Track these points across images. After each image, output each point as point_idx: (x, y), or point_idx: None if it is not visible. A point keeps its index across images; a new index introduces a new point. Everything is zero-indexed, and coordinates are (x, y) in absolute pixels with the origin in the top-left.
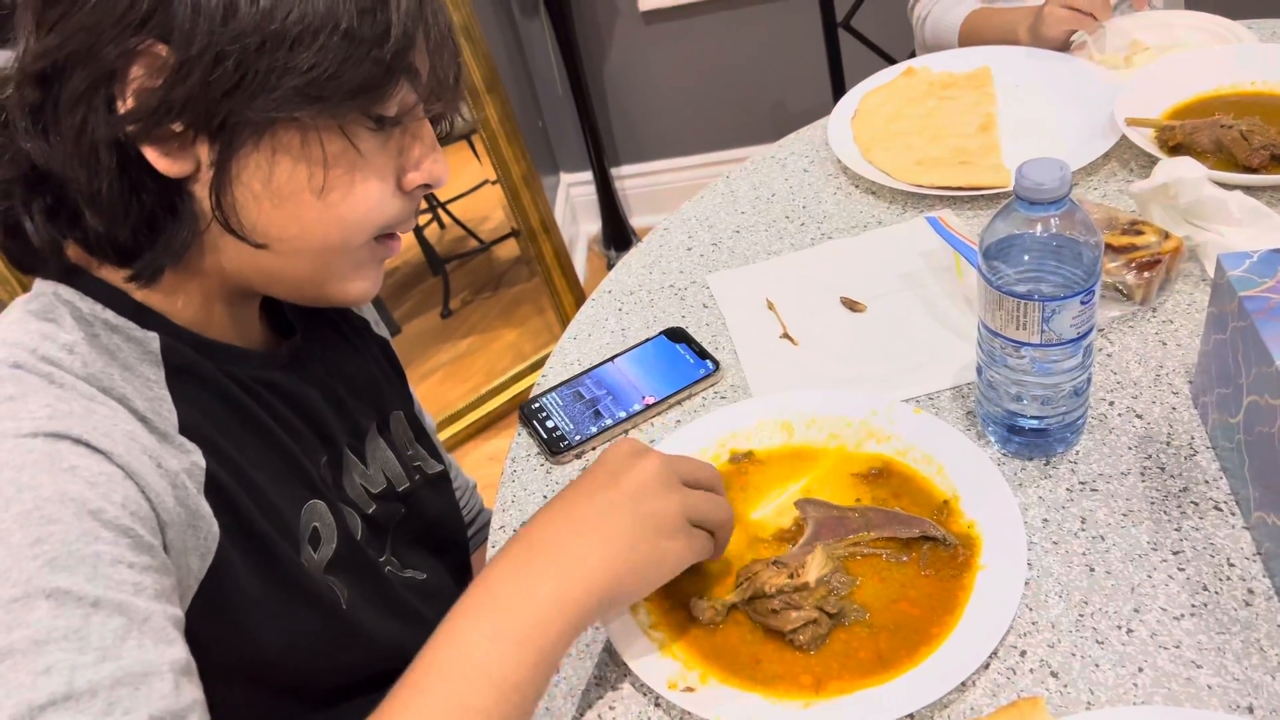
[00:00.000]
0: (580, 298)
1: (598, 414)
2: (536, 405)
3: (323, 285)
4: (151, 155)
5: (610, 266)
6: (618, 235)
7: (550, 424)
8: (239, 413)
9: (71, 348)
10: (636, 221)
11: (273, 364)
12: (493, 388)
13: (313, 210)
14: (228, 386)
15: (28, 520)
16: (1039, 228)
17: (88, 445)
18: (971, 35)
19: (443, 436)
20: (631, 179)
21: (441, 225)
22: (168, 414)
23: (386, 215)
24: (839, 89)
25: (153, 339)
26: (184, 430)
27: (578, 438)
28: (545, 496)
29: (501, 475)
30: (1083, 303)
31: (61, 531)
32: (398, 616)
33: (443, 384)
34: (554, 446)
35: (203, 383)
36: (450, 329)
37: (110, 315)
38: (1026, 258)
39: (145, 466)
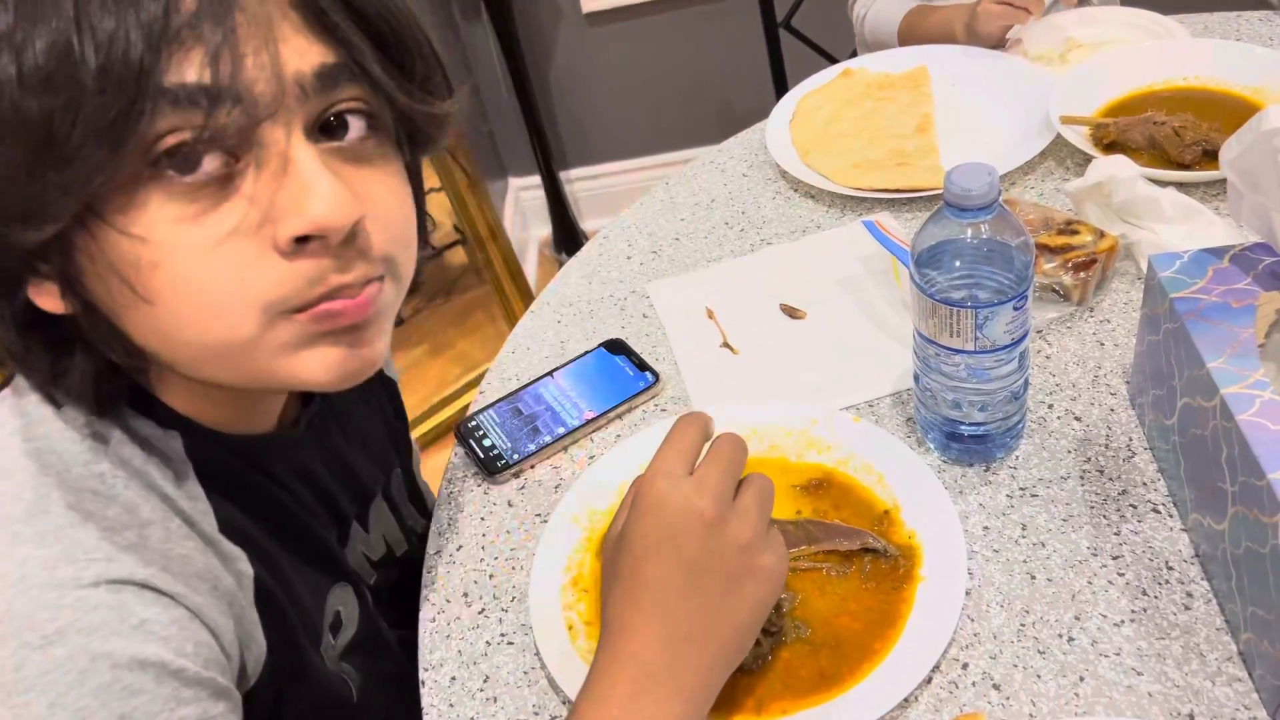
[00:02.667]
0: (531, 304)
1: (536, 430)
2: (473, 423)
3: (271, 377)
4: (35, 297)
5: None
6: (568, 238)
7: (487, 442)
8: (266, 503)
9: (103, 453)
10: (587, 224)
11: (291, 442)
12: (443, 398)
13: (157, 318)
14: (253, 476)
15: (108, 695)
16: (969, 234)
17: (154, 590)
18: (909, 33)
19: None
20: (581, 181)
21: None
22: (206, 513)
23: (264, 289)
24: (781, 89)
25: (174, 437)
26: (224, 530)
27: (515, 456)
28: (483, 519)
29: (438, 497)
30: (1015, 308)
31: (146, 704)
32: (406, 691)
33: None
34: (491, 466)
35: (230, 477)
36: (402, 338)
37: (129, 417)
38: (958, 264)
39: (208, 600)
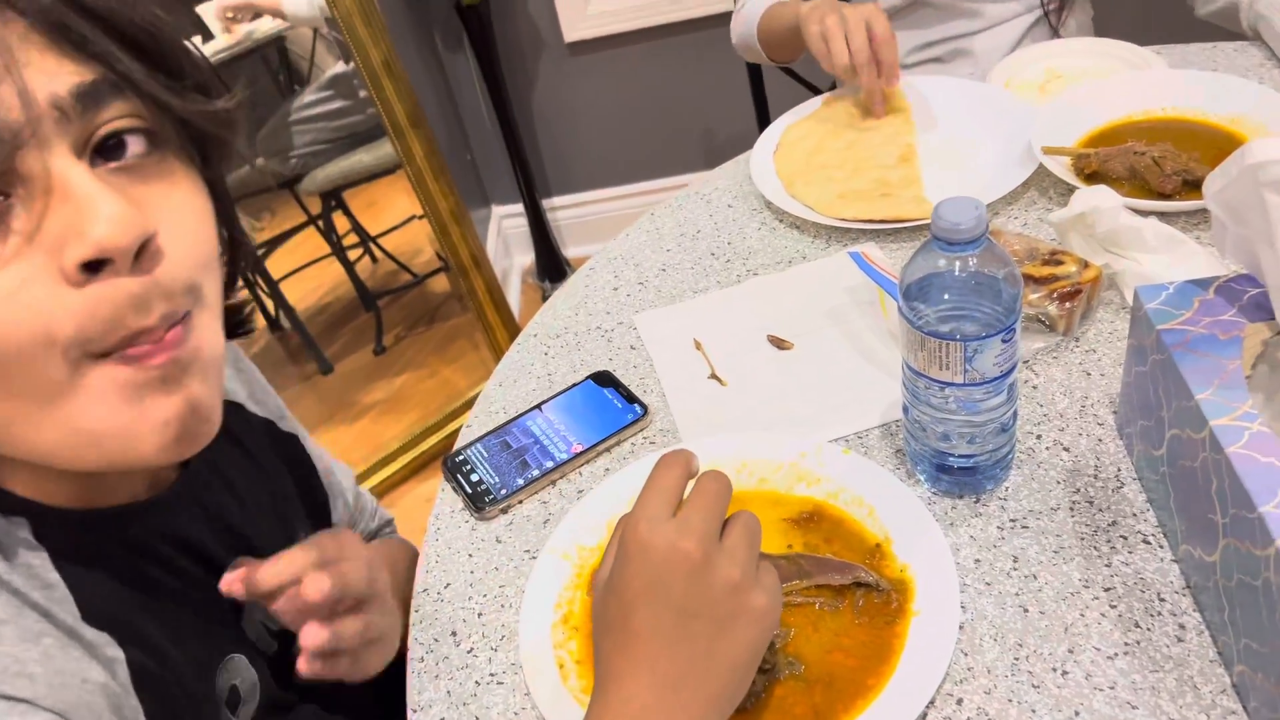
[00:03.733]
0: (514, 332)
1: (525, 464)
2: (460, 458)
3: (100, 448)
4: None
5: (545, 298)
6: (552, 266)
7: (475, 477)
8: (136, 579)
9: None
10: (571, 252)
11: (161, 510)
12: (427, 427)
13: None
14: (117, 552)
15: None
16: (957, 267)
17: (7, 698)
18: (767, 32)
19: (377, 480)
20: (564, 209)
21: (374, 259)
22: (65, 601)
23: (61, 325)
24: (763, 118)
25: (21, 524)
26: (88, 618)
27: (504, 491)
28: (471, 556)
29: (425, 534)
30: (1004, 341)
31: None
32: None
33: (376, 424)
34: (479, 502)
35: (91, 557)
36: (384, 366)
37: None
38: (946, 296)
39: (76, 697)
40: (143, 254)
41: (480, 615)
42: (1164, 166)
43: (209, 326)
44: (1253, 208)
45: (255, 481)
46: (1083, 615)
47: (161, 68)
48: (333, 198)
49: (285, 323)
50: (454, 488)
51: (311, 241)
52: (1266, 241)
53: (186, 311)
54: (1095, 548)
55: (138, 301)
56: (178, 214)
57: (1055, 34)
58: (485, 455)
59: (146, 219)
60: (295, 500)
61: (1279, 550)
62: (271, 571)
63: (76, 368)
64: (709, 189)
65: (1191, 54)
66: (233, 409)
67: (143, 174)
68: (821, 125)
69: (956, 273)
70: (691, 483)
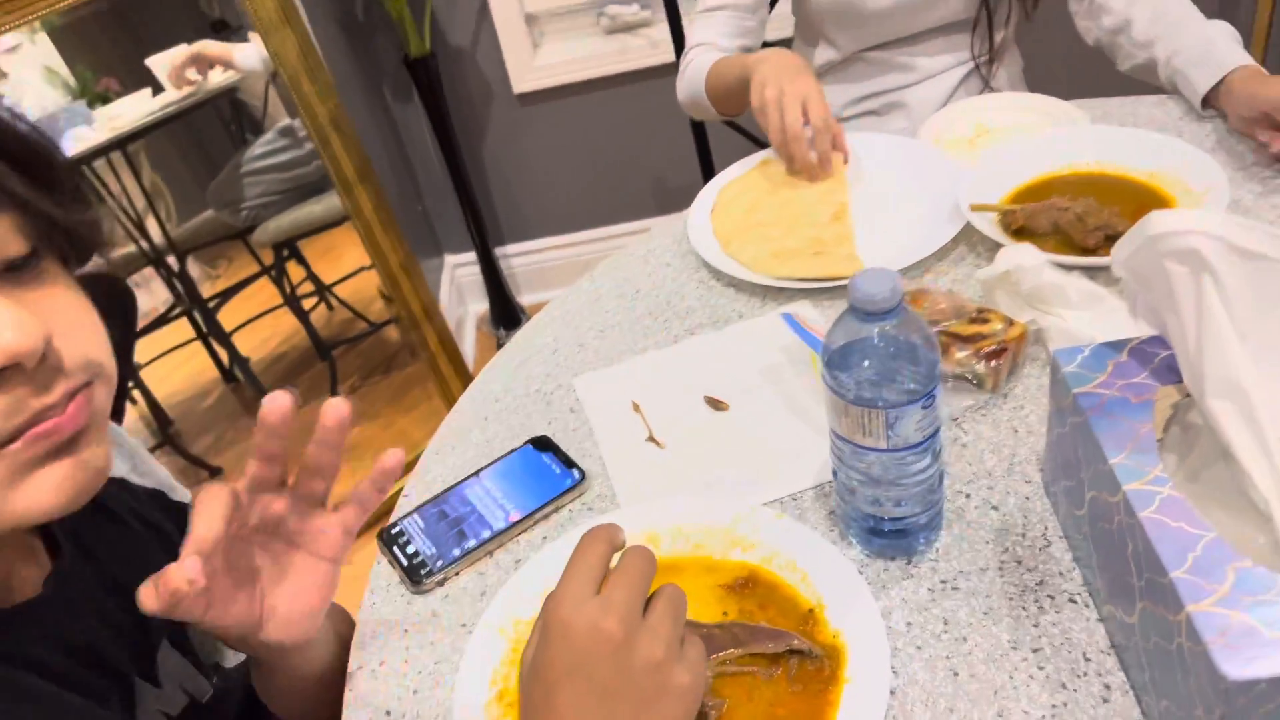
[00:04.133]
0: (468, 381)
1: (462, 535)
2: (396, 529)
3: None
4: None
5: (500, 345)
6: (506, 314)
7: (411, 549)
8: (10, 690)
9: None
10: (525, 299)
11: (32, 612)
12: None
13: None
14: None
15: None
16: (876, 336)
17: None
18: (715, 88)
19: None
20: (518, 257)
21: (330, 307)
22: None
23: None
24: (707, 167)
25: None
26: None
27: (440, 563)
28: (406, 631)
29: (360, 609)
30: (924, 407)
31: None
32: None
33: None
34: (414, 575)
35: None
36: None
37: None
38: (867, 364)
39: None
40: (44, 355)
41: (416, 692)
42: (1087, 222)
43: (106, 395)
44: (1156, 276)
45: (135, 560)
46: (1011, 678)
47: (41, 181)
48: (285, 248)
49: (239, 374)
50: (390, 560)
51: (266, 292)
52: (1170, 308)
53: (88, 382)
54: (1024, 608)
55: (38, 385)
56: (68, 312)
57: (987, 85)
58: (422, 526)
59: (44, 321)
60: (164, 555)
61: (1189, 617)
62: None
63: None
64: (648, 248)
65: (1113, 108)
66: (116, 485)
67: (27, 279)
68: (757, 184)
69: (875, 341)
70: (617, 557)
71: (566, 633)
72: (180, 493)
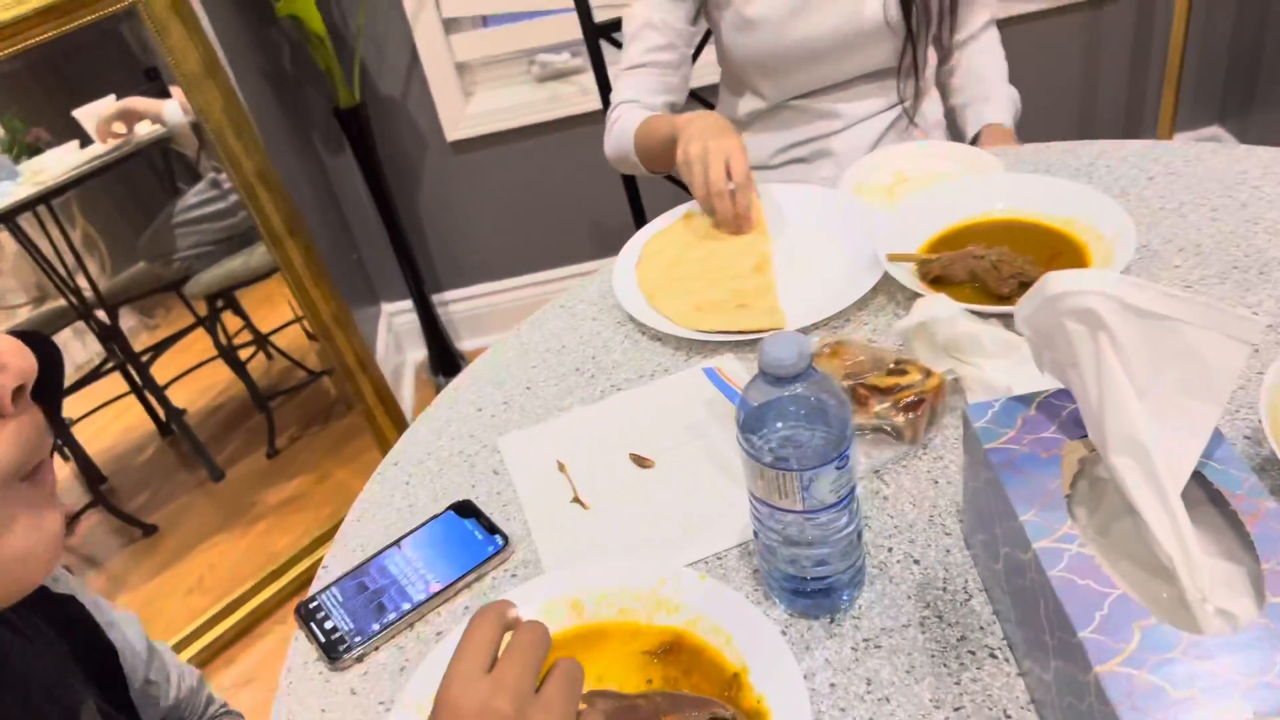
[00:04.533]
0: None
1: (381, 608)
2: (314, 604)
3: None
4: None
5: (439, 390)
6: (445, 361)
7: (329, 624)
8: None
9: None
10: (465, 344)
11: None
12: (315, 538)
13: None
14: None
15: None
16: (786, 399)
17: None
18: (643, 147)
19: (267, 594)
20: (456, 303)
21: (269, 357)
22: None
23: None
24: (638, 214)
25: None
26: None
27: (358, 639)
28: (324, 710)
29: (277, 689)
30: (838, 467)
31: None
32: None
33: (268, 534)
34: (332, 651)
35: None
36: (277, 470)
37: None
38: (780, 425)
39: None
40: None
41: None
42: (1001, 270)
43: None
44: (1057, 333)
45: (35, 666)
46: None
47: None
48: (221, 298)
49: (174, 428)
50: (308, 636)
51: (201, 343)
52: (1073, 365)
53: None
54: (945, 665)
55: (41, 427)
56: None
57: (914, 125)
58: (340, 599)
59: None
60: (72, 664)
61: (1098, 678)
62: None
63: (3, 495)
64: (575, 301)
65: (1026, 154)
66: None
67: None
68: (680, 237)
69: (786, 405)
70: (508, 636)
71: (456, 713)
72: (64, 584)
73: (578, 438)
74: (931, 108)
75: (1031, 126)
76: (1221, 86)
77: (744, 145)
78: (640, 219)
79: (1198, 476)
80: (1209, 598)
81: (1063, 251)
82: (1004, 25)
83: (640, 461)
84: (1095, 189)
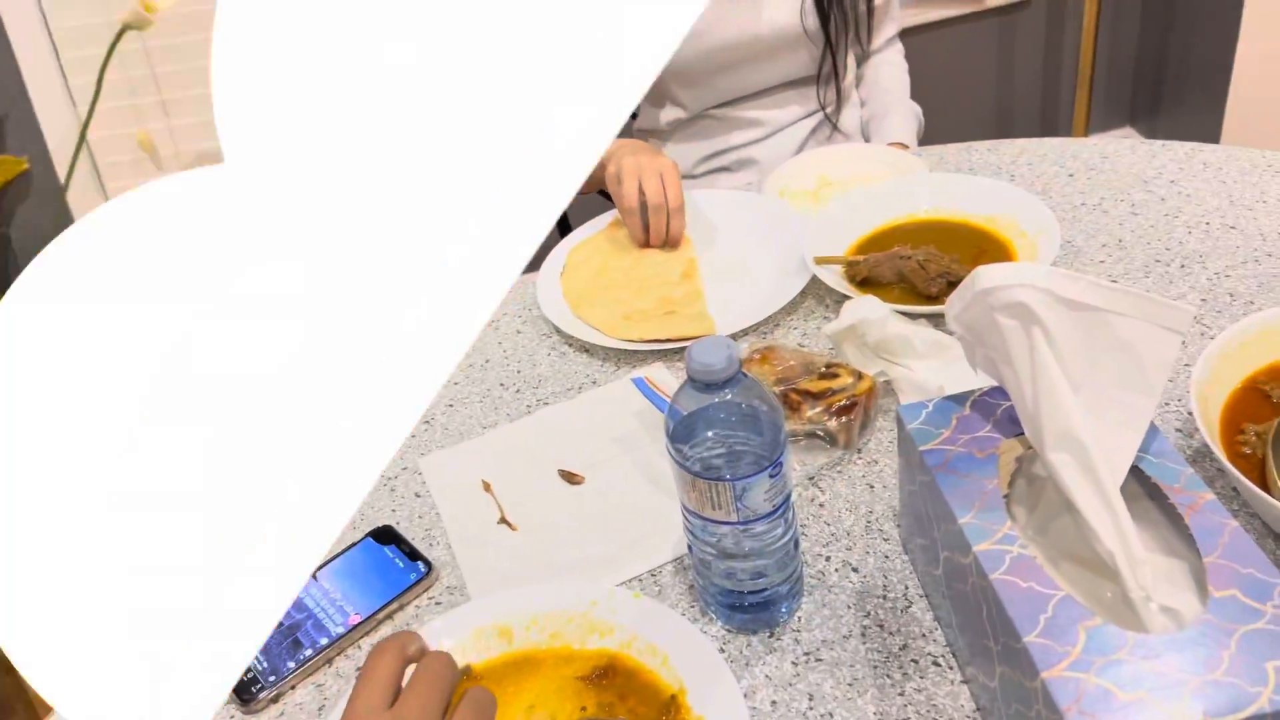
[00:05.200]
0: None
1: (297, 644)
2: None
3: None
4: None
5: None
6: None
7: None
8: None
9: None
10: None
11: None
12: None
13: None
14: None
15: None
16: (716, 406)
17: None
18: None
19: None
20: None
21: None
22: None
23: None
24: (562, 223)
25: None
26: None
27: (273, 678)
28: None
29: None
30: (771, 476)
31: None
32: None
33: None
34: (244, 693)
35: None
36: None
37: None
38: (711, 434)
39: None
40: None
41: None
42: (928, 270)
43: None
44: (989, 330)
45: None
46: None
47: None
48: None
49: None
50: None
51: None
52: (1006, 361)
53: None
54: (888, 675)
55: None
56: None
57: (836, 129)
58: None
59: None
60: None
61: (1044, 683)
62: None
63: None
64: (498, 314)
65: (949, 154)
66: None
67: None
68: (606, 245)
69: (717, 412)
70: (412, 668)
71: None
72: None
73: (504, 456)
74: (854, 114)
75: (950, 131)
76: (1131, 89)
77: (675, 165)
78: (565, 228)
79: (1134, 470)
80: (1152, 595)
81: (988, 249)
82: (921, 31)
83: (570, 478)
84: (1017, 187)
